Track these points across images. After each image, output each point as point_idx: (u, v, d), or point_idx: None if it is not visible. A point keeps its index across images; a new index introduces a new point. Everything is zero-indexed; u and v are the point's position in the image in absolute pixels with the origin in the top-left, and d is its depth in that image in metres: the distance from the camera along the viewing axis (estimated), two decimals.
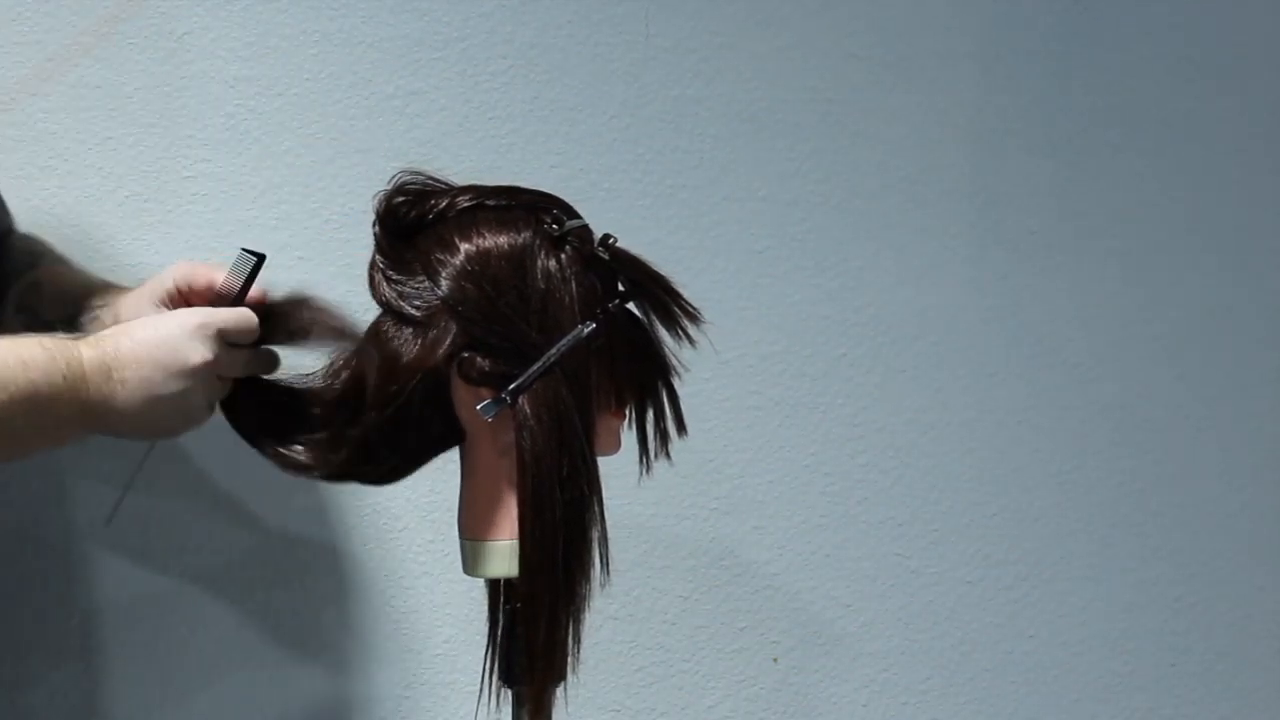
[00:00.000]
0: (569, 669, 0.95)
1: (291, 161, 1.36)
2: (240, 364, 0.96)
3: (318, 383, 0.97)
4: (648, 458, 0.99)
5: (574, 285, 0.93)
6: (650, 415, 0.99)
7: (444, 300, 0.91)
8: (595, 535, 0.94)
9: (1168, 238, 1.61)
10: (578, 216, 0.96)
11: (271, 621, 1.37)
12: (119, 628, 1.34)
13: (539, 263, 0.92)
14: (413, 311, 0.92)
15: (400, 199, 0.95)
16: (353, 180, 1.36)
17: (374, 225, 0.96)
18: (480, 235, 0.92)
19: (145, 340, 0.91)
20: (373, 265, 0.96)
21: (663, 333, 0.97)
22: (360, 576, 1.40)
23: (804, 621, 1.52)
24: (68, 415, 0.88)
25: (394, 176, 0.96)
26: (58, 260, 1.18)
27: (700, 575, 1.49)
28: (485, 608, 1.02)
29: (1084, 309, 1.58)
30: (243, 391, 0.97)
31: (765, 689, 1.51)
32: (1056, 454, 1.58)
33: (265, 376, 0.99)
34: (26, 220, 1.24)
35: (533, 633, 0.93)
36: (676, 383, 0.99)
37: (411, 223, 0.95)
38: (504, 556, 0.94)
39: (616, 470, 0.97)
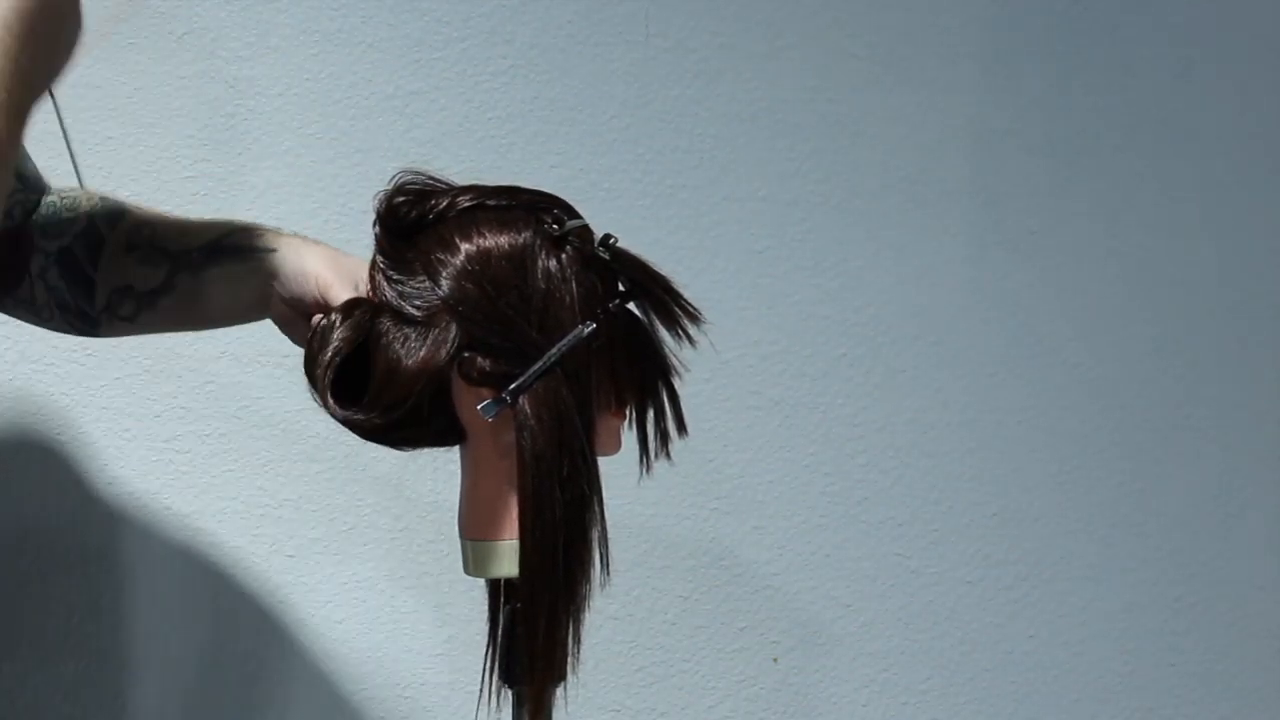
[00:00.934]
0: (569, 669, 0.95)
1: (291, 161, 1.36)
2: None
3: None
4: (648, 458, 0.99)
5: (575, 285, 0.92)
6: (650, 415, 0.98)
7: (445, 300, 0.91)
8: (595, 535, 0.94)
9: (1167, 238, 1.61)
10: (578, 216, 0.96)
11: (271, 621, 1.37)
12: (120, 628, 1.34)
13: (540, 262, 0.92)
14: (414, 311, 0.92)
15: (401, 199, 0.95)
16: (353, 180, 1.36)
17: (374, 225, 0.95)
18: (481, 235, 0.92)
19: None
20: (373, 265, 0.96)
21: (663, 333, 0.97)
22: (360, 576, 1.40)
23: (804, 621, 1.52)
24: None
25: (394, 176, 0.96)
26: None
27: (700, 575, 1.49)
28: (485, 608, 1.02)
29: (1084, 309, 1.58)
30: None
31: (765, 689, 1.51)
32: (1056, 454, 1.58)
33: None
34: None
35: (533, 633, 0.93)
36: (677, 383, 0.99)
37: (412, 223, 0.94)
38: (504, 556, 0.94)
39: (616, 470, 0.97)
